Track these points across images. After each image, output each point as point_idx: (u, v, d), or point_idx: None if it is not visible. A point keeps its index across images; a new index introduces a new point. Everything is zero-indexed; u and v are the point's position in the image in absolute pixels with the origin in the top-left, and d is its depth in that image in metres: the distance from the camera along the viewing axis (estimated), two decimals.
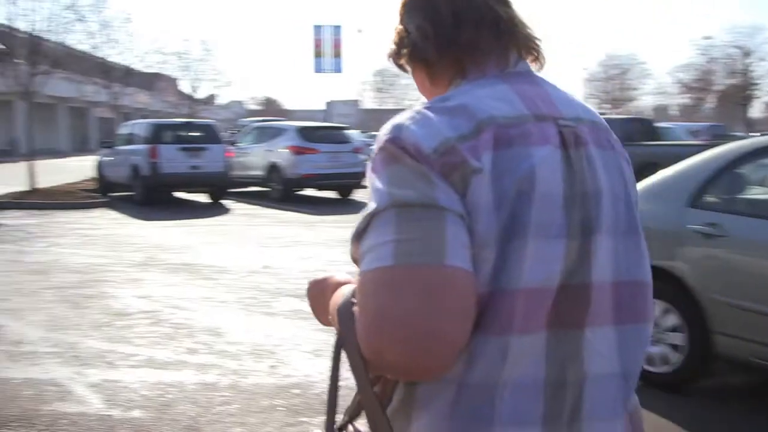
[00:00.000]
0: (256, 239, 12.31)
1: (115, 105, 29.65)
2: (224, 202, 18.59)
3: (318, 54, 45.44)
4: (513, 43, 1.25)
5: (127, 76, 30.95)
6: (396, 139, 1.10)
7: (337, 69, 47.01)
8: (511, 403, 1.08)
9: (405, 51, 1.28)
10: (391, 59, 1.33)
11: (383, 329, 1.00)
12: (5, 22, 19.15)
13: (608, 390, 1.15)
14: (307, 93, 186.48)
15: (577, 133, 1.17)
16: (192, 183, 18.42)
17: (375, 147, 1.13)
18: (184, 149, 17.97)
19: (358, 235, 1.08)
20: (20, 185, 19.71)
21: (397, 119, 1.14)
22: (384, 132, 1.13)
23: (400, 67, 1.34)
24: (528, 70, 1.27)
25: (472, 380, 1.07)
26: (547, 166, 1.10)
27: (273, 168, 18.67)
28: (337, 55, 45.85)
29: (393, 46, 1.31)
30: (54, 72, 19.63)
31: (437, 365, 1.02)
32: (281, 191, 18.52)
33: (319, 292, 1.35)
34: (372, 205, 1.07)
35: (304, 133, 18.80)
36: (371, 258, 1.04)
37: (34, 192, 18.75)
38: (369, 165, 1.13)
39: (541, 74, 1.30)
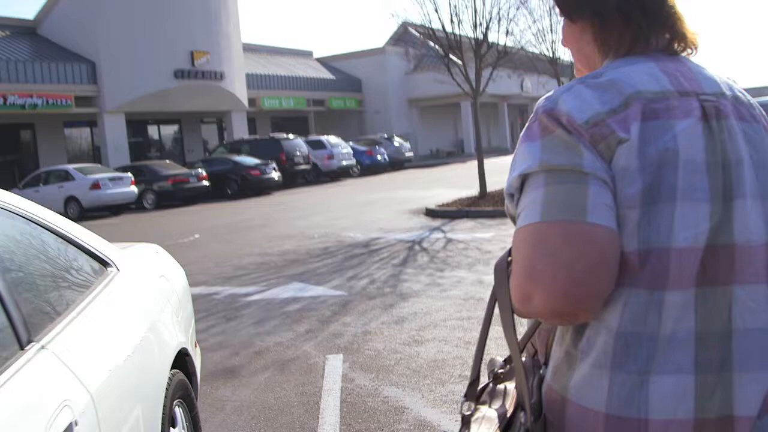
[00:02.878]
0: None
1: None
2: None
3: None
4: (668, 28, 1.34)
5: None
6: (552, 110, 1.23)
7: None
8: (667, 353, 1.18)
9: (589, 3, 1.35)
10: (567, 7, 1.40)
11: (532, 276, 1.17)
12: (448, 20, 17.36)
13: (758, 343, 1.21)
14: None
15: (718, 107, 1.26)
16: None
17: (532, 117, 1.28)
18: None
19: (513, 194, 1.26)
20: (469, 189, 18.77)
21: (554, 93, 1.27)
22: (541, 104, 1.27)
23: (570, 20, 1.41)
24: (675, 51, 1.35)
25: (630, 331, 1.19)
26: (689, 137, 1.21)
27: None
28: None
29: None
30: (496, 69, 18.16)
31: (578, 309, 1.17)
32: None
33: None
34: (523, 166, 1.23)
35: None
36: (524, 215, 1.21)
37: (483, 197, 16.92)
38: (524, 132, 1.27)
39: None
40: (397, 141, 39.90)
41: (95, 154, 33.67)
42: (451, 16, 16.85)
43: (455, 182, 24.66)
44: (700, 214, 1.19)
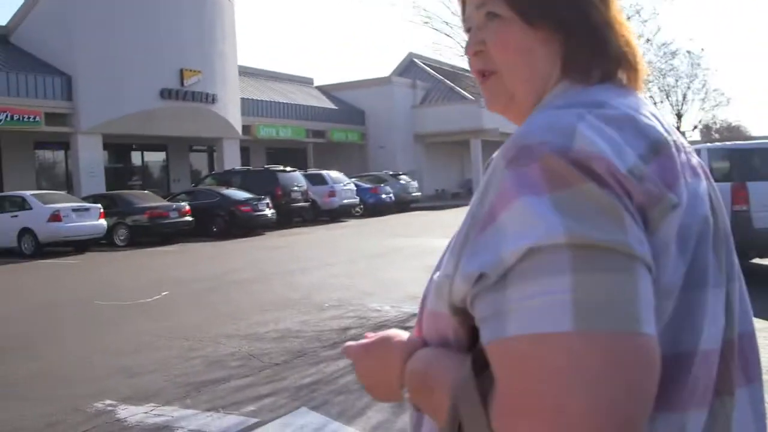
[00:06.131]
0: None
1: None
2: None
3: None
4: (632, 62, 1.03)
5: None
6: (566, 150, 0.82)
7: None
8: None
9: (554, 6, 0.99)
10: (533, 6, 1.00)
11: (563, 421, 0.74)
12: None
13: None
14: None
15: (703, 164, 0.98)
16: None
17: (516, 155, 0.84)
18: None
19: (498, 275, 0.80)
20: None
21: (556, 121, 0.87)
22: (537, 136, 0.85)
23: (528, 23, 1.00)
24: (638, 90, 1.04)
25: None
26: (708, 203, 0.92)
27: None
28: None
29: None
30: None
31: None
32: None
33: (379, 356, 1.05)
34: (530, 234, 0.79)
35: None
36: (531, 316, 0.78)
37: None
38: (506, 180, 0.84)
39: None
40: (403, 179, 36.36)
41: (69, 180, 29.92)
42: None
43: None
44: (720, 304, 0.91)
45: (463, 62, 14.09)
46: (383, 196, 32.97)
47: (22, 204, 20.32)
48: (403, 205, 34.67)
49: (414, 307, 9.24)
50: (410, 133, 47.44)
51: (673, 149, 0.89)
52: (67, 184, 29.35)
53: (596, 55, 0.99)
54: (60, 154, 30.86)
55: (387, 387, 1.03)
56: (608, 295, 0.76)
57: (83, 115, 28.08)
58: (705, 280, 0.88)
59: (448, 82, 46.69)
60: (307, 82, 49.71)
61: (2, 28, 30.75)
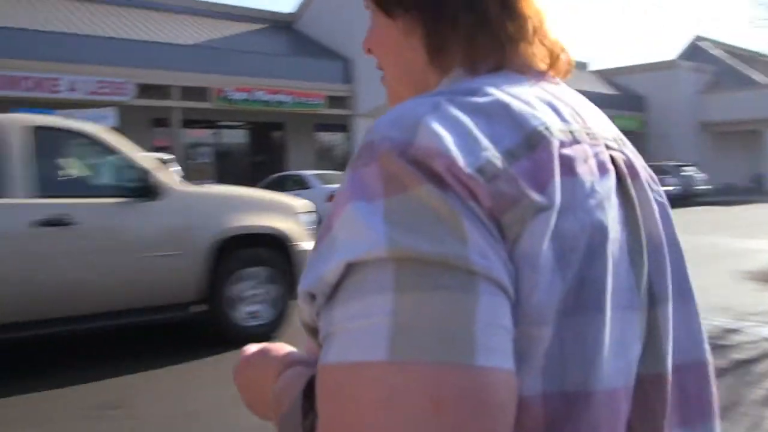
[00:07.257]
0: None
1: None
2: None
3: None
4: (535, 42, 0.86)
5: None
6: (406, 146, 0.69)
7: None
8: None
9: None
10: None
11: None
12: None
13: None
14: None
15: (630, 161, 0.83)
16: None
17: (359, 153, 0.71)
18: None
19: (316, 294, 0.70)
20: None
21: (403, 114, 0.72)
22: (382, 131, 0.71)
23: (386, 13, 0.89)
24: (547, 74, 0.87)
25: None
26: (611, 205, 0.76)
27: None
28: None
29: None
30: None
31: None
32: None
33: (257, 369, 0.95)
34: (353, 247, 0.67)
35: None
36: (347, 342, 0.65)
37: None
38: (346, 183, 0.71)
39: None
40: (688, 171, 33.85)
41: (346, 162, 30.81)
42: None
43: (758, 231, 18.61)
44: (632, 331, 0.75)
45: (756, 44, 11.99)
46: (668, 188, 30.80)
47: (302, 183, 20.94)
48: (686, 199, 32.27)
49: (724, 321, 7.85)
50: (694, 122, 44.31)
51: (556, 141, 0.72)
52: (345, 165, 30.19)
53: (467, 43, 0.84)
54: (338, 136, 31.87)
55: (264, 405, 0.91)
56: (434, 319, 0.62)
57: (361, 99, 28.77)
58: (600, 301, 0.71)
59: (739, 65, 42.93)
60: (580, 66, 48.09)
61: (287, 16, 32.31)
